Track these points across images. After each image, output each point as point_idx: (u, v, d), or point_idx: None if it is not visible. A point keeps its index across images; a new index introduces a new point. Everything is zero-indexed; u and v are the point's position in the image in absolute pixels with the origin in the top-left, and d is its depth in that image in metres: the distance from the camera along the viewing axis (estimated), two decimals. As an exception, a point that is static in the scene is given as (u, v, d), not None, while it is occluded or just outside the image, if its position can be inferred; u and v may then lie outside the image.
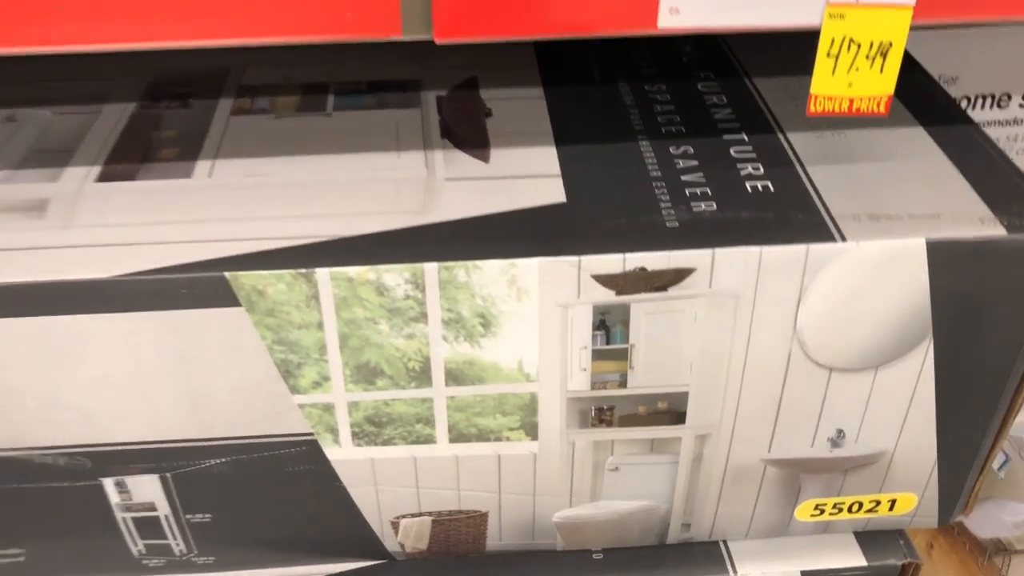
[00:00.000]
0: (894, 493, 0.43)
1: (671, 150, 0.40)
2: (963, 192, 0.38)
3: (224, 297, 0.35)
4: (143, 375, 0.36)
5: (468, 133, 0.42)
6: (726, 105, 0.43)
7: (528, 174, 0.39)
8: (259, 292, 0.35)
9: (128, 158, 0.40)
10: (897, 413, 0.40)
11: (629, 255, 0.35)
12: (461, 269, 0.35)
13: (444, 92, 0.45)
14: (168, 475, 0.39)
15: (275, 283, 0.34)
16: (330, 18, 0.32)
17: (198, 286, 0.34)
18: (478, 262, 0.35)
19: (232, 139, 0.41)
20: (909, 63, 0.48)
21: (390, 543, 0.42)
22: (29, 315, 0.35)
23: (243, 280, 0.34)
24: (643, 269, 0.35)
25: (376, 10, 0.32)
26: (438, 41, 0.32)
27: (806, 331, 0.37)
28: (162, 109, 0.43)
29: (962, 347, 0.38)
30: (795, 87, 0.45)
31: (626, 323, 0.36)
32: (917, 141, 0.41)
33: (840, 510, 0.44)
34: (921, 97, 0.44)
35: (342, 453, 0.39)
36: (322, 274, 0.34)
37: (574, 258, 0.35)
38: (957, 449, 0.42)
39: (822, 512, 0.44)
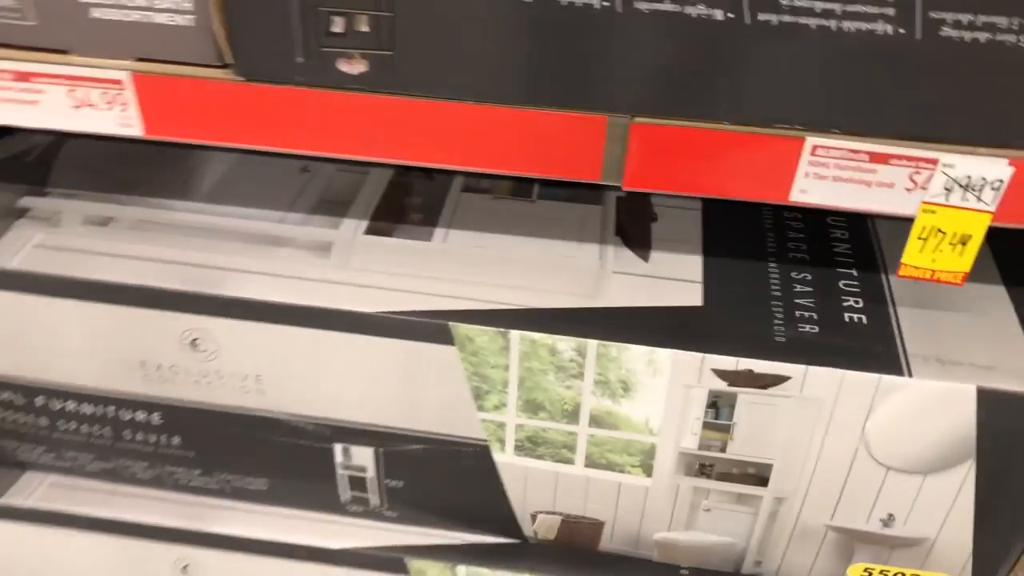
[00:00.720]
0: (933, 572, 0.53)
1: (792, 275, 0.51)
2: (1021, 350, 0.47)
3: (444, 338, 0.48)
4: (379, 379, 0.51)
5: (636, 233, 0.54)
6: (846, 240, 0.54)
7: (676, 277, 0.51)
8: (469, 339, 0.48)
9: (387, 217, 0.55)
10: (940, 510, 0.50)
11: (742, 359, 0.47)
12: (614, 348, 0.47)
13: (623, 193, 0.57)
14: (380, 450, 0.53)
15: (481, 335, 0.48)
16: (550, 162, 0.45)
17: (428, 329, 0.48)
18: (628, 345, 0.47)
19: (461, 212, 0.55)
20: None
21: (527, 528, 0.56)
22: (310, 327, 0.50)
23: (460, 330, 0.48)
24: (751, 371, 0.47)
25: (585, 162, 0.45)
26: (625, 188, 0.45)
27: (871, 437, 0.47)
28: (412, 178, 0.58)
29: (1000, 471, 0.48)
30: (907, 231, 0.55)
31: (732, 406, 0.48)
32: (996, 299, 0.50)
33: (885, 576, 0.54)
34: (1013, 257, 0.53)
35: (505, 458, 0.52)
36: (514, 335, 0.48)
37: (700, 355, 0.47)
38: (991, 546, 0.51)
39: (870, 574, 0.54)
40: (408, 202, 0.56)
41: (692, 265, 0.52)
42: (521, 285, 0.50)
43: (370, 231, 0.54)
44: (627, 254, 0.53)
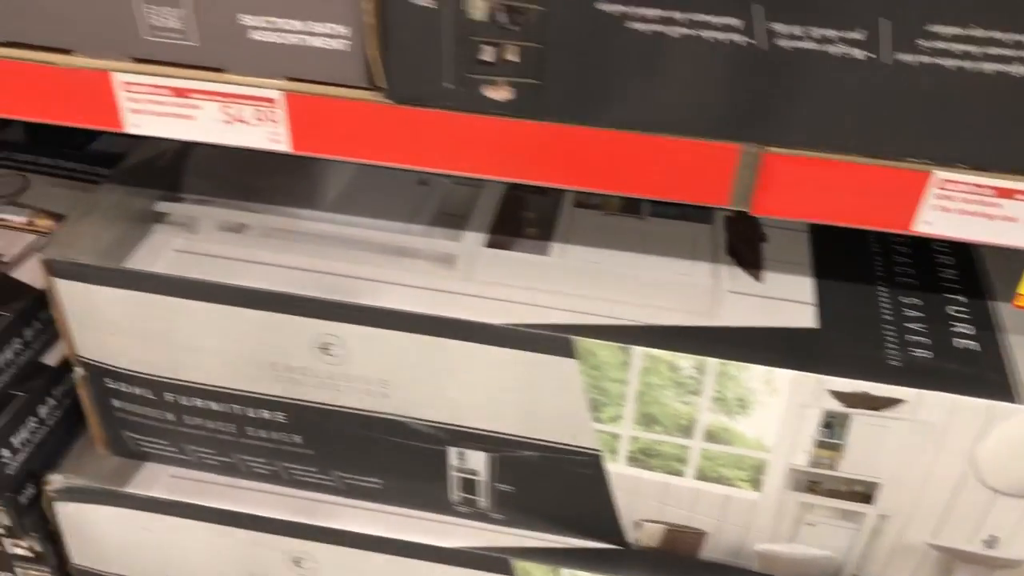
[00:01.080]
0: (1029, 592, 0.55)
1: (901, 298, 0.53)
2: None
3: (567, 351, 0.51)
4: (499, 388, 0.53)
5: (747, 254, 0.56)
6: (953, 267, 0.55)
7: (789, 298, 0.53)
8: (591, 353, 0.50)
9: (504, 230, 0.57)
10: (1043, 534, 0.51)
11: (859, 382, 0.48)
12: (734, 366, 0.49)
13: (731, 213, 0.59)
14: (494, 455, 0.56)
15: (604, 350, 0.50)
16: (682, 187, 0.47)
17: (552, 342, 0.50)
18: (748, 364, 0.49)
19: (574, 227, 0.57)
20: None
21: (630, 535, 0.58)
22: (438, 336, 0.52)
23: (583, 344, 0.50)
24: (868, 393, 0.48)
25: (715, 188, 0.46)
26: (754, 214, 0.46)
27: (980, 461, 0.49)
28: (525, 193, 0.60)
29: (1106, 497, 0.49)
30: (1014, 260, 0.56)
31: (844, 426, 0.50)
32: (1105, 329, 0.51)
33: (981, 595, 0.55)
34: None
35: (617, 468, 0.54)
36: (637, 351, 0.50)
37: (818, 376, 0.48)
38: (1089, 571, 0.53)
39: (966, 592, 0.55)
40: (523, 216, 0.58)
41: (803, 286, 0.54)
42: (639, 301, 0.52)
43: (490, 244, 0.56)
44: (740, 274, 0.54)
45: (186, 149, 0.62)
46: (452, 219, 0.58)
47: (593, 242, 0.56)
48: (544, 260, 0.55)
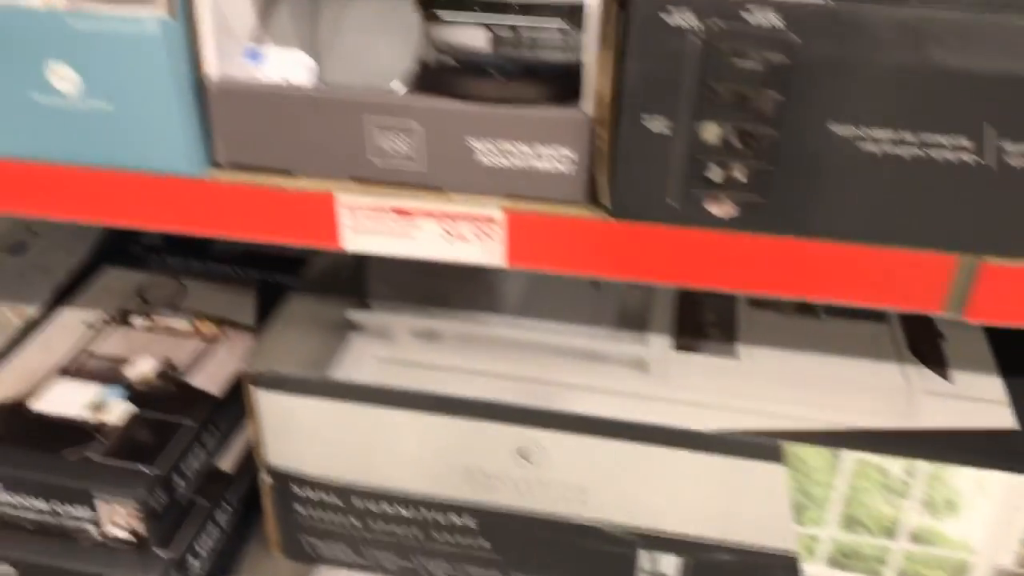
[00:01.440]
0: None
1: (1090, 396, 0.54)
2: None
3: (773, 456, 0.51)
4: (698, 492, 0.53)
5: (930, 353, 0.57)
6: None
7: (984, 398, 0.54)
8: (800, 459, 0.51)
9: (688, 333, 0.58)
10: None
11: (1072, 483, 0.49)
12: (945, 470, 0.50)
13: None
14: (687, 559, 0.56)
15: (813, 455, 0.51)
16: (898, 294, 0.48)
17: (759, 447, 0.51)
18: (960, 467, 0.50)
19: (755, 328, 0.58)
20: None
21: (817, 636, 0.58)
22: (640, 443, 0.53)
23: (792, 449, 0.51)
24: (1081, 495, 0.49)
25: (930, 295, 0.48)
26: (970, 321, 0.48)
27: None
28: (699, 294, 0.61)
29: None
30: None
31: (1055, 527, 0.50)
32: None
33: None
34: None
35: (814, 570, 0.55)
36: (847, 455, 0.50)
37: (1030, 477, 0.49)
38: None
39: None
40: (703, 318, 0.59)
41: (994, 385, 0.54)
42: (837, 404, 0.53)
43: (678, 347, 0.57)
44: (928, 373, 0.55)
45: (362, 256, 0.64)
46: (632, 321, 0.59)
47: (778, 344, 0.57)
48: (734, 363, 0.56)
